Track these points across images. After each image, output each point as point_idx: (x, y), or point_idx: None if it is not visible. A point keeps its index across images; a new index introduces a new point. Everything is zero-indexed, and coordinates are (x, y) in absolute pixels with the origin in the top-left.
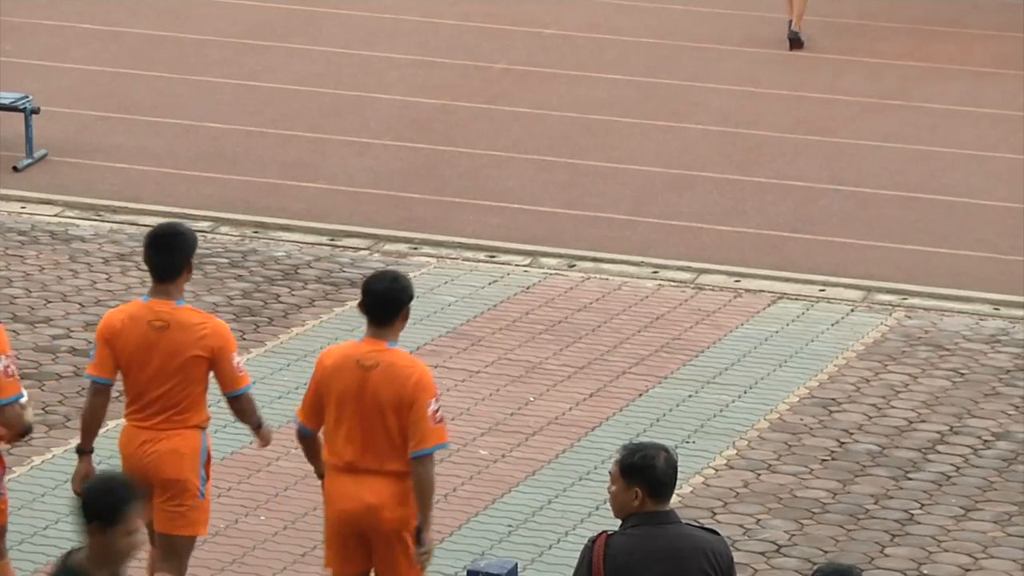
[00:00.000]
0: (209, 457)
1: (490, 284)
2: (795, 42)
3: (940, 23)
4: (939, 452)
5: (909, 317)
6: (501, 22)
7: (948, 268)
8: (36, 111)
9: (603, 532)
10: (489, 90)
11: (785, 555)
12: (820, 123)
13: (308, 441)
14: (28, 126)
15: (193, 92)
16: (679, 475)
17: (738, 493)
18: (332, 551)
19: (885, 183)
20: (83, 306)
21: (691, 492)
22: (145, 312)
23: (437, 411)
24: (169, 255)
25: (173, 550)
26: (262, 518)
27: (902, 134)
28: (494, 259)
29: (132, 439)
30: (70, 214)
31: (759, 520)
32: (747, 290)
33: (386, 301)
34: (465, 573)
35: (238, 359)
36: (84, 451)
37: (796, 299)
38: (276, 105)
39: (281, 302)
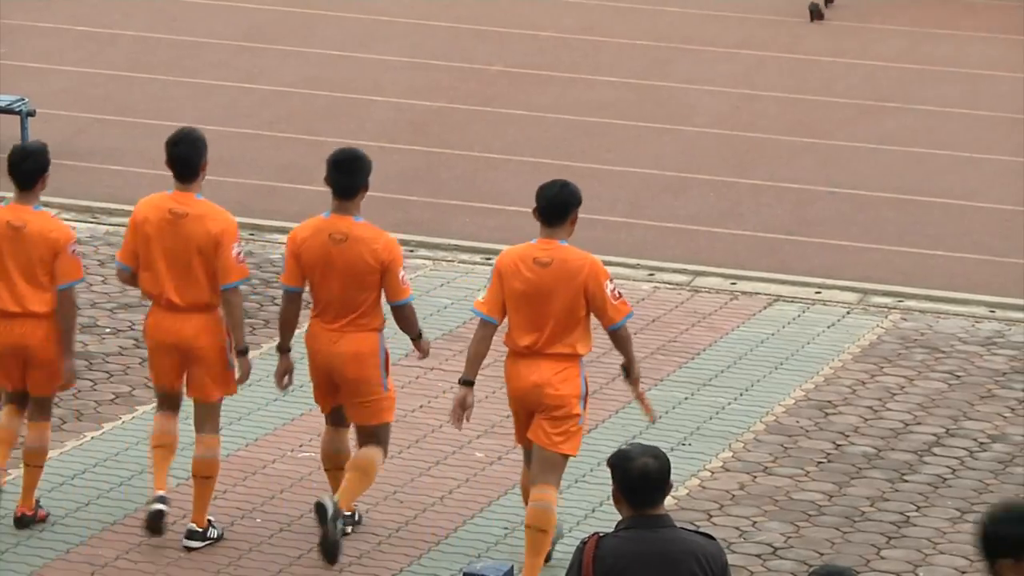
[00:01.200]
0: (387, 356)
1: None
2: (815, 13)
3: (936, 25)
4: (935, 454)
5: (905, 319)
6: (497, 24)
7: (944, 270)
8: (32, 114)
9: (595, 534)
10: (485, 92)
11: (781, 557)
12: (816, 125)
13: (491, 329)
14: (24, 128)
15: (189, 95)
16: (675, 478)
17: (734, 495)
18: (516, 426)
19: (881, 185)
20: (79, 308)
21: (687, 494)
22: (327, 226)
23: (615, 289)
24: (351, 176)
25: (373, 436)
26: (258, 520)
27: (898, 137)
28: (490, 261)
29: (318, 337)
30: (66, 216)
31: (755, 522)
32: (743, 292)
33: (557, 205)
34: (461, 575)
35: (403, 273)
36: (284, 350)
37: (792, 301)
38: (272, 107)
39: (277, 304)
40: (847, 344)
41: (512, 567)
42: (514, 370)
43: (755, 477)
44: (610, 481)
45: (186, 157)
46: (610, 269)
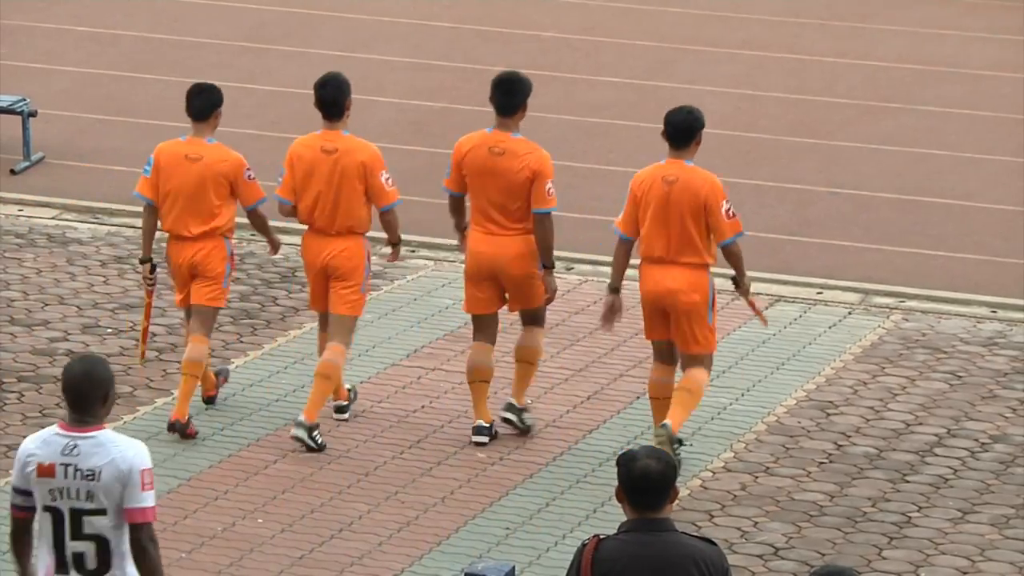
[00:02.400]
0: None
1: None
2: None
3: (938, 25)
4: (936, 455)
5: (907, 320)
6: (498, 25)
7: (946, 271)
8: (33, 114)
9: (595, 536)
10: (487, 93)
11: (783, 558)
12: (817, 126)
13: (629, 245)
14: (25, 129)
15: None
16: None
17: (735, 496)
18: (647, 323)
19: (883, 186)
20: (80, 309)
21: (689, 495)
22: (488, 140)
23: (729, 209)
24: (510, 96)
25: (532, 319)
26: (260, 521)
27: (900, 137)
28: None
29: (479, 241)
30: (68, 217)
31: (756, 523)
32: None
33: (683, 129)
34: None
35: (550, 185)
36: (461, 228)
37: (794, 302)
38: (273, 108)
39: (278, 305)
40: (848, 344)
41: (514, 567)
42: (648, 275)
43: (756, 477)
44: (610, 482)
45: (333, 99)
46: (610, 270)
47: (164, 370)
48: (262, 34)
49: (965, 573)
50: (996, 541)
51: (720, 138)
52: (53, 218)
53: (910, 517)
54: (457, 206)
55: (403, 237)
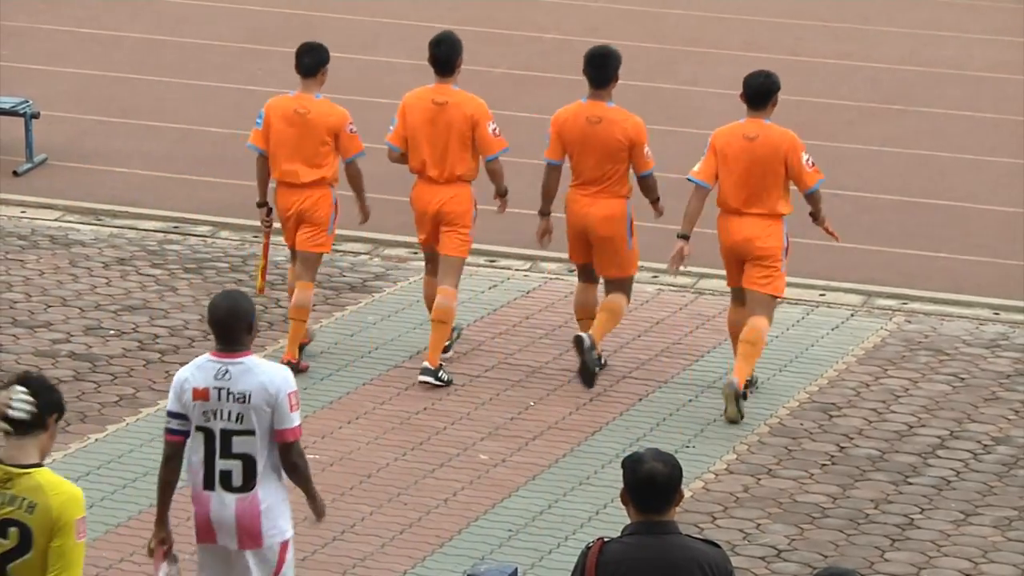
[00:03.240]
0: (633, 219)
1: (490, 288)
2: None
3: (940, 27)
4: (939, 457)
5: (909, 322)
6: (500, 26)
7: (948, 273)
8: (36, 116)
9: (600, 539)
10: (488, 94)
11: (785, 560)
12: (820, 128)
13: (705, 192)
14: (28, 131)
15: (193, 96)
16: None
17: (738, 498)
18: (727, 272)
19: (885, 188)
20: (83, 310)
21: (691, 497)
22: (584, 110)
23: (808, 159)
24: (602, 69)
25: (619, 286)
26: None
27: (902, 139)
28: (494, 264)
29: (576, 202)
30: (70, 218)
31: (759, 525)
32: None
33: (761, 92)
34: None
35: (647, 148)
36: (544, 213)
37: (796, 304)
38: None
39: (281, 306)
40: (851, 346)
41: (516, 569)
42: (725, 226)
43: (759, 479)
44: (613, 483)
45: (446, 56)
46: None
47: (167, 372)
48: (264, 36)
49: (968, 575)
50: (999, 543)
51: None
52: (55, 220)
53: (912, 519)
54: (554, 177)
55: (407, 239)
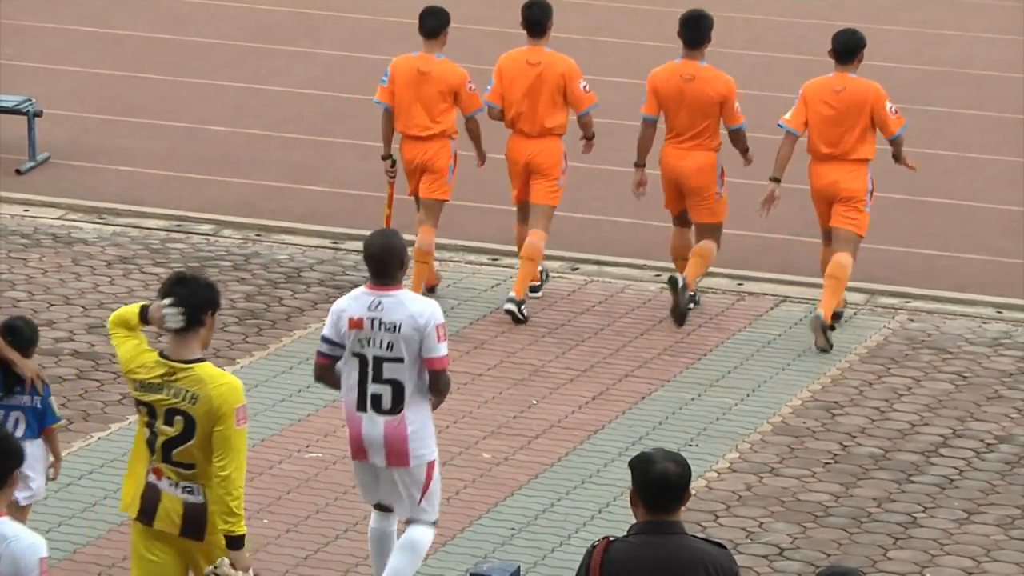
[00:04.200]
0: (723, 170)
1: (493, 287)
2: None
3: (942, 26)
4: (942, 455)
5: (912, 320)
6: (503, 25)
7: (951, 271)
8: (39, 114)
9: (605, 538)
10: None
11: (788, 558)
12: None
13: (794, 139)
14: (31, 129)
15: (196, 95)
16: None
17: (741, 496)
18: (819, 215)
19: (888, 186)
20: (86, 309)
21: (694, 495)
22: (678, 69)
23: (892, 107)
24: (697, 30)
25: (709, 232)
26: (265, 521)
27: (905, 137)
28: (497, 262)
29: (670, 155)
30: (73, 217)
31: (762, 523)
32: (750, 293)
33: (848, 47)
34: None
35: (738, 104)
36: (639, 165)
37: (799, 302)
38: (279, 108)
39: (284, 305)
40: (854, 345)
41: (519, 568)
42: (815, 171)
43: (762, 478)
44: (615, 482)
45: (537, 19)
46: (615, 270)
47: None
48: (268, 34)
49: (970, 574)
50: (1001, 542)
51: (724, 138)
52: (58, 218)
53: (915, 518)
54: (649, 131)
55: (410, 238)
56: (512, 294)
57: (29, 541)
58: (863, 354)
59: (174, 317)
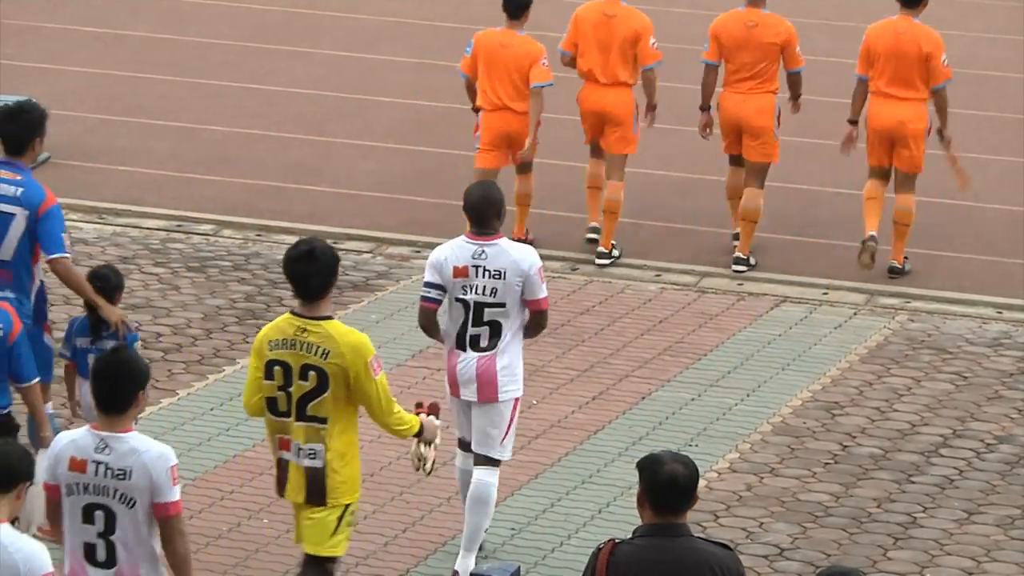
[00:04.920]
0: (780, 111)
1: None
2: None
3: (943, 26)
4: (942, 455)
5: (912, 320)
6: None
7: (951, 271)
8: None
9: (611, 540)
10: None
11: (788, 559)
12: (823, 126)
13: (866, 84)
14: None
15: (196, 95)
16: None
17: (741, 496)
18: (873, 150)
19: (889, 187)
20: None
21: None
22: (742, 16)
23: (945, 60)
24: None
25: (757, 176)
26: (265, 521)
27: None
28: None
29: (730, 98)
30: (73, 217)
31: (762, 524)
32: (750, 293)
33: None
34: None
35: (798, 48)
36: (704, 108)
37: (799, 303)
38: (279, 108)
39: (284, 305)
40: (854, 345)
41: (519, 568)
42: (877, 110)
43: (762, 478)
44: (615, 482)
45: None
46: (615, 270)
47: (169, 371)
48: (267, 34)
49: (971, 574)
50: (1002, 542)
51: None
52: None
53: (915, 518)
54: (712, 76)
55: (410, 238)
56: (600, 248)
57: (159, 451)
58: (863, 354)
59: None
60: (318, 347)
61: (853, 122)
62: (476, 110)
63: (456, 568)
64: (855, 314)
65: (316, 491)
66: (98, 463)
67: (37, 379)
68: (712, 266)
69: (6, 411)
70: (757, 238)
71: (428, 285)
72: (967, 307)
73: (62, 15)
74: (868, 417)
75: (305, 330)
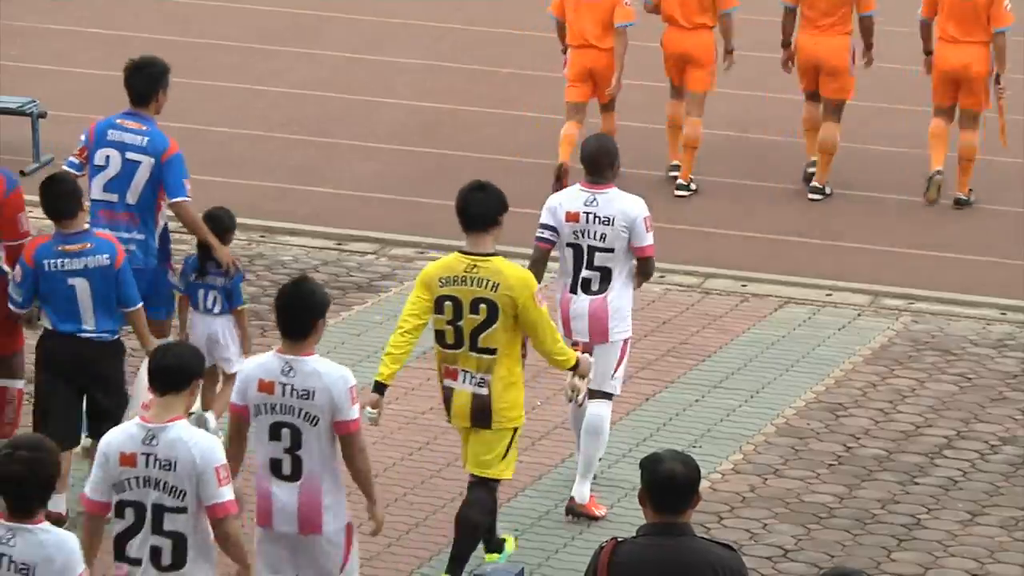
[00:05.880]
0: (855, 52)
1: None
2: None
3: None
4: (946, 457)
5: (916, 322)
6: (508, 26)
7: (955, 273)
8: (43, 116)
9: (613, 539)
10: (496, 94)
11: (792, 560)
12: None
13: (929, 25)
14: (35, 131)
15: (200, 96)
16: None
17: (745, 498)
18: (939, 89)
19: (893, 187)
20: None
21: None
22: None
23: (1008, 4)
24: None
25: (835, 111)
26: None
27: (910, 139)
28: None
29: (808, 40)
30: None
31: (766, 525)
32: (754, 295)
33: None
34: None
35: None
36: (786, 44)
37: (803, 304)
38: (283, 110)
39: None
40: (858, 346)
41: (523, 569)
42: (943, 53)
43: (766, 479)
44: (620, 483)
45: None
46: None
47: None
48: (272, 36)
49: (974, 575)
50: (1005, 543)
51: (730, 139)
52: None
53: (919, 519)
54: (789, 19)
55: (413, 239)
56: (680, 181)
57: (339, 373)
58: (867, 355)
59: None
60: (488, 281)
61: (929, 52)
62: (565, 50)
63: (572, 495)
64: (859, 315)
65: (483, 416)
66: (284, 385)
67: (141, 304)
68: (716, 267)
69: (116, 335)
70: (761, 239)
71: (542, 227)
72: (971, 308)
73: (66, 17)
74: (872, 418)
75: (475, 266)
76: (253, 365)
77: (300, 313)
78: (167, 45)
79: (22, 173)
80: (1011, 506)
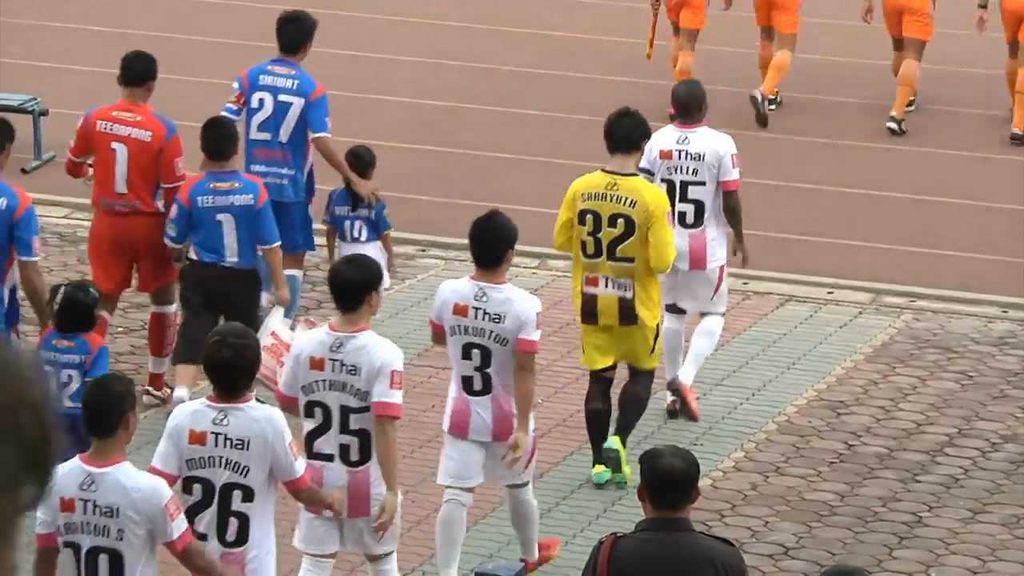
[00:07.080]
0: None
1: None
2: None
3: (948, 25)
4: (947, 455)
5: (917, 319)
6: (509, 24)
7: (956, 271)
8: (44, 113)
9: (612, 534)
10: (497, 92)
11: (793, 558)
12: (828, 126)
13: None
14: (36, 128)
15: (201, 94)
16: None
17: (746, 495)
18: (1011, 28)
19: (894, 185)
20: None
21: None
22: None
23: None
24: None
25: (915, 44)
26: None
27: (911, 137)
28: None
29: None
30: (79, 216)
31: (767, 523)
32: (755, 292)
33: None
34: (473, 575)
35: None
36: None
37: (804, 301)
38: None
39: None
40: (859, 344)
41: (524, 567)
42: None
43: (767, 477)
44: (620, 480)
45: None
46: None
47: (173, 370)
48: (272, 34)
49: (976, 573)
50: (1007, 541)
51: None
52: (64, 217)
53: (921, 517)
54: None
55: (415, 237)
56: (762, 95)
57: (527, 298)
58: (868, 353)
59: None
60: (627, 198)
61: (983, 7)
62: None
63: (677, 374)
64: (860, 313)
65: (629, 315)
66: (477, 308)
67: (278, 243)
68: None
69: (251, 268)
70: (763, 237)
71: (640, 170)
72: (972, 306)
73: (67, 14)
74: (873, 416)
75: (616, 184)
76: (449, 290)
77: (492, 244)
78: (167, 43)
79: (23, 171)
80: (1012, 504)
